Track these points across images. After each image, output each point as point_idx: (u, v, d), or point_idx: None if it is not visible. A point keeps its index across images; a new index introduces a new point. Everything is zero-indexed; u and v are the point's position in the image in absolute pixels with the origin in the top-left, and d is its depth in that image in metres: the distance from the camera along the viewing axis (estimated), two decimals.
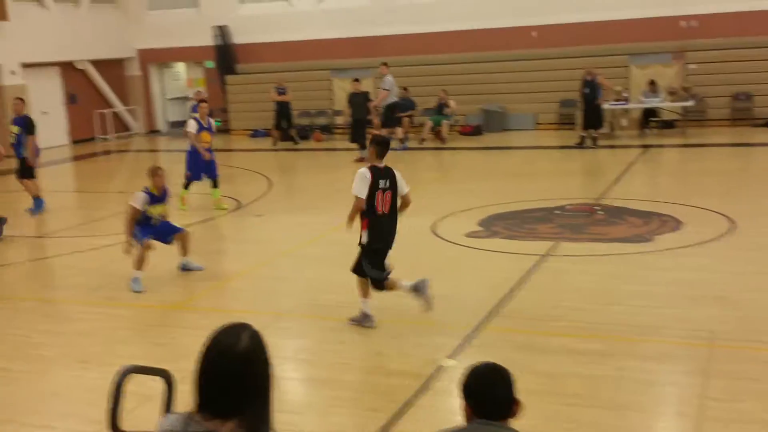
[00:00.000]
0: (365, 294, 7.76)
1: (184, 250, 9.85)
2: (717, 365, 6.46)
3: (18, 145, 14.16)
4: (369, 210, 7.47)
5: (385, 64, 20.52)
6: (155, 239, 9.54)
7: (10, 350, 7.63)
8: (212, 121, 14.01)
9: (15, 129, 14.15)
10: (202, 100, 14.33)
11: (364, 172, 7.44)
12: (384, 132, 20.93)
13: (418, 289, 7.69)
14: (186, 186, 13.83)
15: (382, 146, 7.61)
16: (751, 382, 6.10)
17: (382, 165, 7.55)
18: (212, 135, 13.83)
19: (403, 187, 7.63)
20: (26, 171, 14.30)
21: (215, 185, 13.89)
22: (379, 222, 7.51)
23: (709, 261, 9.42)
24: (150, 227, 9.44)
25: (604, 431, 5.53)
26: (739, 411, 5.69)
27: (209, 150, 13.69)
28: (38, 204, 14.34)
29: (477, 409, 3.00)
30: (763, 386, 6.02)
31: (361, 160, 18.29)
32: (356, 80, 19.66)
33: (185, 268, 9.91)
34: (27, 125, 14.14)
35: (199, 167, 13.63)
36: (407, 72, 23.48)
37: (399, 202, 7.70)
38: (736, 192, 13.43)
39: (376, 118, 19.76)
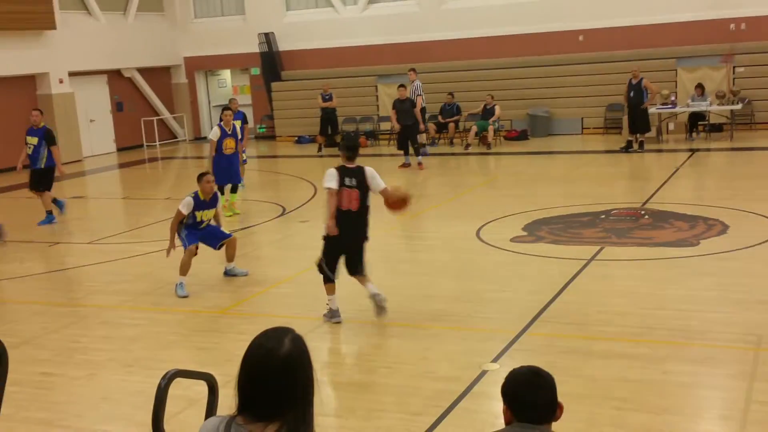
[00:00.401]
0: (330, 291, 8.02)
1: (230, 256, 9.94)
2: (762, 369, 6.38)
3: (35, 156, 14.39)
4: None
5: (413, 69, 20.72)
6: (203, 243, 9.66)
7: (58, 355, 7.76)
8: (237, 127, 14.20)
9: (33, 140, 14.40)
10: (226, 108, 14.56)
11: (331, 171, 7.73)
12: (422, 137, 21.04)
13: (378, 299, 7.90)
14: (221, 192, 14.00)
15: (349, 149, 7.84)
16: None
17: (352, 165, 7.80)
18: (237, 141, 14.03)
19: (378, 183, 7.75)
20: (42, 183, 14.54)
21: (234, 190, 14.26)
22: (341, 217, 7.72)
23: (756, 265, 9.29)
24: (197, 231, 9.57)
25: None
26: None
27: (234, 155, 13.94)
28: (50, 218, 14.55)
29: (517, 413, 2.99)
30: None
31: (406, 165, 18.31)
32: (402, 86, 19.21)
33: (230, 274, 10.02)
34: (47, 137, 14.38)
35: (222, 174, 13.71)
36: (453, 77, 23.51)
37: (379, 200, 7.86)
38: None
39: (422, 124, 19.54)
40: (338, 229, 7.73)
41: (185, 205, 9.40)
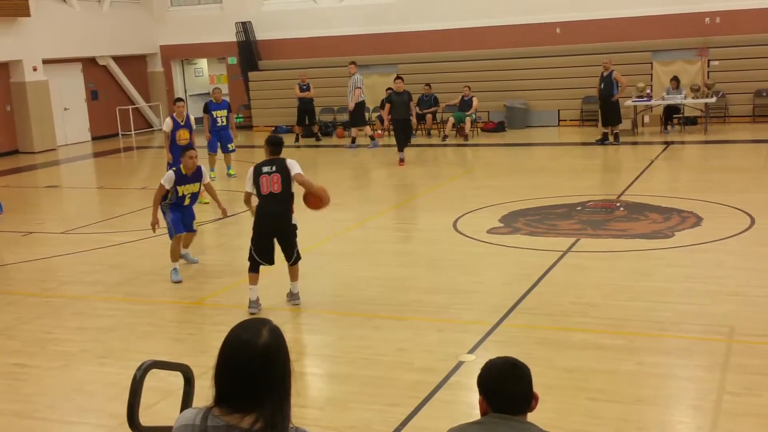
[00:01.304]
0: (252, 280, 8.23)
1: (186, 245, 10.16)
2: (734, 360, 6.46)
3: None
4: (258, 195, 8.06)
5: (353, 63, 20.91)
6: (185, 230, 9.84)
7: (31, 346, 7.70)
8: (192, 119, 14.21)
9: None
10: (179, 99, 14.54)
11: (250, 171, 8.11)
12: (354, 131, 21.19)
13: (292, 299, 8.33)
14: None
15: (273, 146, 8.15)
16: (767, 376, 6.09)
17: (272, 157, 8.13)
18: (192, 132, 14.04)
19: (293, 167, 8.01)
20: None
21: None
22: (263, 202, 8.03)
23: (729, 257, 9.38)
24: (180, 213, 9.68)
25: (623, 425, 5.52)
26: (754, 405, 5.70)
27: (189, 146, 13.83)
28: None
29: (493, 404, 3.00)
30: None
31: (402, 161, 17.66)
32: (399, 78, 18.03)
33: (183, 258, 10.15)
34: None
35: (179, 163, 13.74)
36: (430, 68, 23.50)
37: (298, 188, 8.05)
38: (756, 188, 13.34)
39: (415, 119, 18.64)
40: (263, 212, 8.04)
41: (167, 180, 9.45)
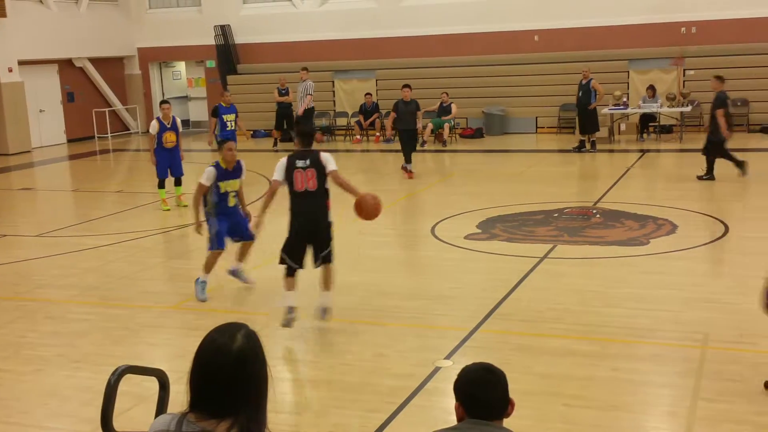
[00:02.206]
0: (288, 286, 7.64)
1: (242, 256, 9.17)
2: (708, 366, 6.51)
3: None
4: (289, 190, 7.48)
5: (305, 68, 21.14)
6: (230, 236, 8.95)
7: (3, 351, 7.61)
8: (178, 121, 14.17)
9: None
10: (164, 102, 14.46)
11: (282, 160, 7.49)
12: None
13: (325, 310, 7.73)
14: (159, 186, 14.10)
15: (304, 136, 7.58)
16: (741, 383, 6.14)
17: (305, 149, 7.55)
18: (178, 134, 14.02)
19: (328, 163, 7.43)
20: None
21: (178, 183, 14.16)
22: (296, 200, 7.46)
23: (703, 264, 9.48)
24: (227, 220, 8.85)
25: (598, 431, 5.55)
26: (728, 411, 5.73)
27: (175, 148, 13.97)
28: None
29: (469, 410, 3.01)
30: (752, 387, 6.04)
31: (406, 171, 16.68)
32: (407, 86, 17.02)
33: (235, 275, 9.17)
34: None
35: (164, 166, 13.94)
36: (409, 74, 23.48)
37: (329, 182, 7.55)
38: (730, 197, 13.49)
39: (421, 126, 17.71)
40: (297, 213, 7.47)
41: (207, 177, 8.62)
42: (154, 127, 13.81)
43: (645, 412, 5.91)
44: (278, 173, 7.45)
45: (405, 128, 16.72)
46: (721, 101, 14.56)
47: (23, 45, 23.17)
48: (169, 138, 13.78)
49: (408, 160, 16.60)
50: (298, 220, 7.50)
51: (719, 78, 15.02)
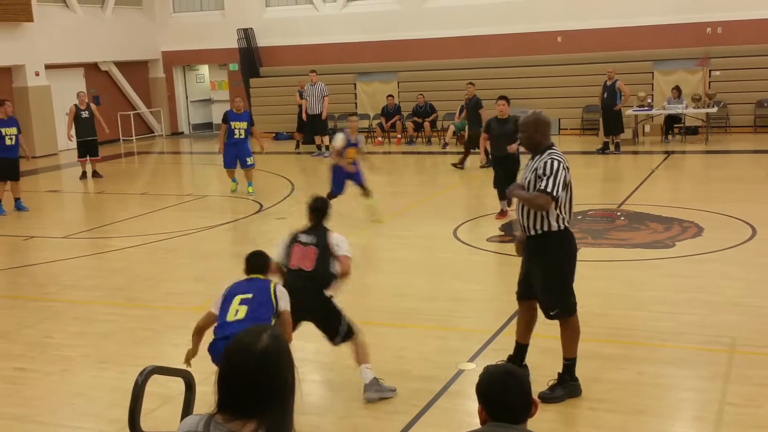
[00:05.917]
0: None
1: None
2: (735, 371, 6.45)
3: (17, 146, 14.96)
4: (286, 267, 6.31)
5: (313, 71, 21.21)
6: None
7: (31, 351, 7.69)
8: (360, 138, 13.09)
9: (12, 131, 14.79)
10: (352, 114, 13.76)
11: (286, 236, 6.46)
12: (317, 139, 21.30)
13: (369, 385, 7.09)
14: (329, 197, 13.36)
15: (313, 212, 6.45)
16: None
17: (315, 225, 6.45)
18: (358, 151, 12.81)
19: (340, 247, 6.25)
20: (17, 172, 15.11)
21: (366, 194, 12.82)
22: (289, 277, 6.20)
23: (730, 267, 9.37)
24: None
25: None
26: (756, 416, 5.69)
27: (353, 164, 12.80)
28: (21, 204, 15.02)
29: (491, 412, 2.99)
30: None
31: (502, 211, 12.57)
32: (503, 99, 12.97)
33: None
34: (19, 126, 14.98)
35: (341, 182, 12.83)
36: (432, 76, 23.55)
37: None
38: (757, 199, 13.33)
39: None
40: (291, 290, 5.86)
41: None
42: (340, 140, 12.50)
43: (671, 417, 5.87)
44: (277, 251, 6.37)
45: (498, 155, 12.59)
46: None
47: (50, 49, 23.37)
48: (350, 154, 12.56)
49: (503, 197, 12.19)
50: (292, 296, 5.85)
51: None
